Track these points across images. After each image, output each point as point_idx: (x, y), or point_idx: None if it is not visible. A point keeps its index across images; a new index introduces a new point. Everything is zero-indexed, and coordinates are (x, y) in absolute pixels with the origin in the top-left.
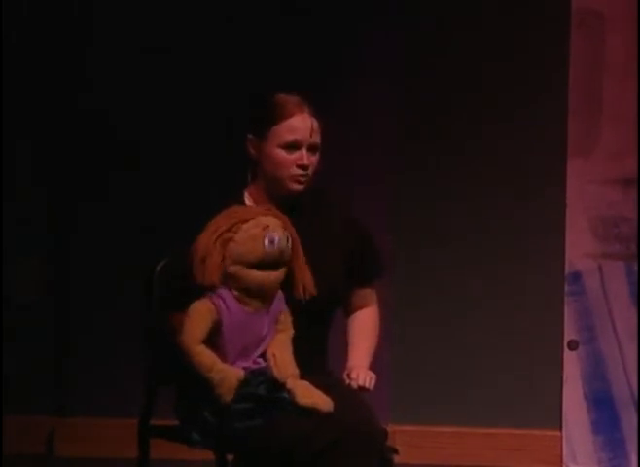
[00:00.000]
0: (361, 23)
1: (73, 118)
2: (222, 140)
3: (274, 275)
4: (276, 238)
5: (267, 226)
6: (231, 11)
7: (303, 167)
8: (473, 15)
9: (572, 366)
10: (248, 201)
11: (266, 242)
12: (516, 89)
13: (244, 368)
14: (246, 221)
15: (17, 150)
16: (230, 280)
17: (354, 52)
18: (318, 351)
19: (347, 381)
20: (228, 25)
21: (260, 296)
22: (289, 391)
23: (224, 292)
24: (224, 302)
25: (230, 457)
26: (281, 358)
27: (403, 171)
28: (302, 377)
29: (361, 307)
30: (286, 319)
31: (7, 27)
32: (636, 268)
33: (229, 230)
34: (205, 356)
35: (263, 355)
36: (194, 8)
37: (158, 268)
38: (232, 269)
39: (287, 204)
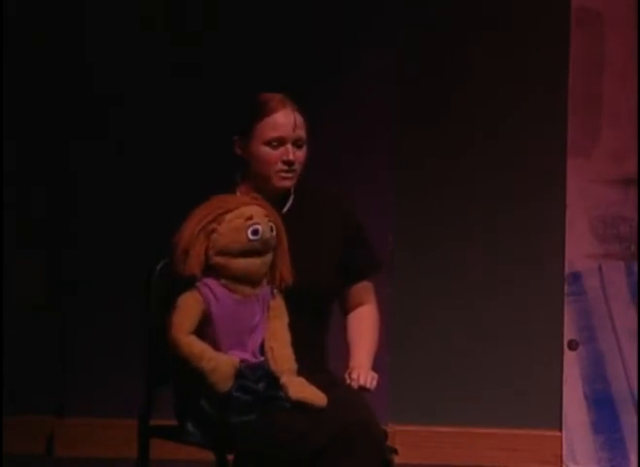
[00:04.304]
0: (361, 23)
1: (73, 117)
2: (221, 140)
3: (260, 260)
4: (260, 229)
5: (251, 216)
6: (231, 11)
7: (289, 163)
8: (473, 14)
9: (572, 366)
10: None
11: (250, 233)
12: (516, 88)
13: (243, 360)
14: (230, 211)
15: (16, 149)
16: (215, 270)
17: (354, 51)
18: (316, 350)
19: (348, 381)
20: (227, 26)
21: (247, 282)
22: (282, 386)
23: (211, 281)
24: (211, 291)
25: (230, 457)
26: (279, 352)
27: (402, 171)
28: (303, 375)
29: (359, 305)
30: (278, 304)
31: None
32: (636, 268)
33: (212, 221)
34: (194, 346)
35: (262, 347)
36: (195, 6)
37: (157, 268)
38: (217, 259)
39: (278, 200)
